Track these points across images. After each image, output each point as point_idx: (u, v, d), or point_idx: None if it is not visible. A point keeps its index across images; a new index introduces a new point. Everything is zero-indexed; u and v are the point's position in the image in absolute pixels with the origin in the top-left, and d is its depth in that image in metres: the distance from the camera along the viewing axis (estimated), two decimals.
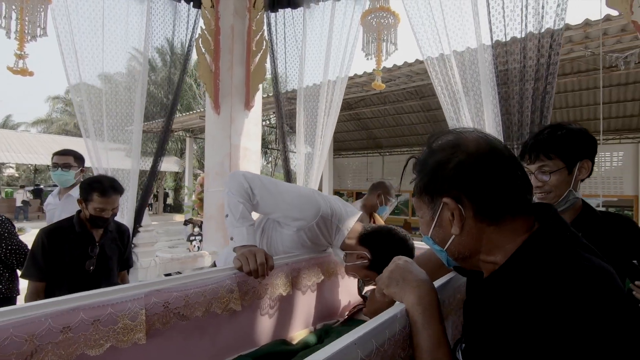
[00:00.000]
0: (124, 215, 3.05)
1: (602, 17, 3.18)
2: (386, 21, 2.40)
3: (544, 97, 2.07)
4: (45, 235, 1.63)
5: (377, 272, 1.13)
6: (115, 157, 3.00)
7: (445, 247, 0.64)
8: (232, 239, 1.15)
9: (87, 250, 1.69)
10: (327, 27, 2.95)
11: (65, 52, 2.57)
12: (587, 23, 3.78)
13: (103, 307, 0.64)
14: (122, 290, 0.68)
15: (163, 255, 3.76)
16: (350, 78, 4.49)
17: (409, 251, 1.19)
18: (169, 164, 15.17)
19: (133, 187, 3.01)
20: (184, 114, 9.42)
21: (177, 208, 18.45)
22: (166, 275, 3.64)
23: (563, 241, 0.56)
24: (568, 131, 1.07)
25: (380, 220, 2.91)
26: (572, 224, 0.91)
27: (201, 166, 17.57)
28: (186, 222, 7.62)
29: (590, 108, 7.51)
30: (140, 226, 3.23)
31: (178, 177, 19.86)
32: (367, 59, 2.48)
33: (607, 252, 0.84)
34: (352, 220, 1.30)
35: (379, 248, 1.19)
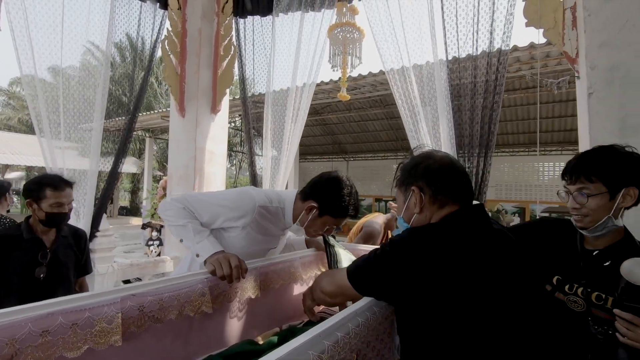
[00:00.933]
0: (80, 219, 2.92)
1: (545, 42, 3.52)
2: (352, 36, 2.53)
3: (492, 111, 2.28)
4: None
5: (330, 214, 1.28)
6: (70, 156, 2.87)
7: (410, 224, 0.91)
8: (198, 255, 1.14)
9: (37, 257, 1.62)
10: (295, 37, 3.03)
11: (20, 45, 2.44)
12: (532, 46, 4.17)
13: (81, 311, 0.66)
14: (99, 295, 0.71)
15: (122, 261, 3.62)
16: (318, 85, 4.59)
17: (338, 182, 1.29)
18: (126, 165, 14.44)
19: (91, 189, 2.90)
20: (144, 114, 9.07)
21: (133, 211, 17.60)
22: (125, 282, 3.51)
23: (455, 221, 0.84)
24: (617, 154, 0.99)
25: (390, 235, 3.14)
26: (605, 250, 1.02)
27: (161, 168, 16.90)
28: (144, 226, 7.33)
29: (535, 121, 8.18)
30: (98, 231, 3.11)
31: (135, 178, 18.95)
32: (334, 70, 2.60)
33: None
34: (291, 196, 1.36)
35: (319, 192, 1.29)
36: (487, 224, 0.87)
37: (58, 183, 1.64)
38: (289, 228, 1.40)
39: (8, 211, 2.60)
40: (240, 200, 1.28)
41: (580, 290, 1.02)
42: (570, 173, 1.04)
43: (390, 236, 3.09)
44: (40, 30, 2.53)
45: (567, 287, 1.05)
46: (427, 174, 0.89)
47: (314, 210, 1.27)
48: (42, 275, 1.62)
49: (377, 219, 3.12)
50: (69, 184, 1.71)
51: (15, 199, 13.46)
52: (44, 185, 1.61)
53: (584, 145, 1.85)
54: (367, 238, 2.99)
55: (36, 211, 1.62)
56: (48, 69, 2.77)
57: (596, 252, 1.05)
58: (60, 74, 2.74)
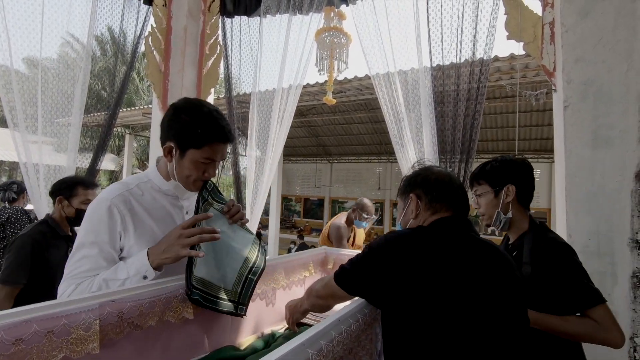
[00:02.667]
0: None
1: (524, 54, 3.64)
2: (339, 40, 2.55)
3: (473, 118, 2.34)
4: (32, 240, 1.67)
5: (193, 146, 1.02)
6: (45, 151, 2.77)
7: (406, 228, 0.98)
8: (145, 277, 0.90)
9: (67, 252, 1.73)
10: (282, 39, 3.02)
11: None
12: (512, 57, 4.30)
13: (57, 318, 0.64)
14: (76, 302, 0.68)
15: None
16: (303, 87, 4.59)
17: (188, 106, 1.06)
18: (104, 162, 14.02)
19: None
20: (125, 110, 8.84)
21: None
22: None
23: (443, 225, 0.91)
24: (497, 161, 1.24)
25: (360, 233, 3.29)
26: (514, 243, 1.24)
27: (141, 165, 16.48)
28: None
29: (513, 129, 8.44)
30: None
31: (114, 175, 18.42)
32: (320, 74, 2.61)
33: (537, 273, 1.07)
34: (153, 165, 1.18)
35: (171, 127, 1.06)
36: (473, 232, 0.90)
37: (89, 183, 1.84)
38: (172, 195, 1.13)
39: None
40: (95, 214, 0.99)
41: None
42: (470, 181, 1.32)
43: (355, 230, 3.31)
44: (19, 20, 2.43)
45: None
46: (425, 183, 0.98)
47: (174, 151, 1.03)
48: None
49: (340, 218, 3.28)
50: (96, 185, 1.90)
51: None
52: (77, 183, 1.80)
53: (559, 155, 1.93)
54: (338, 237, 3.13)
55: (65, 208, 1.78)
56: (24, 60, 2.67)
57: (510, 246, 1.27)
58: (38, 65, 2.64)
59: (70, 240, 1.80)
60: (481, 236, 0.91)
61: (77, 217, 1.77)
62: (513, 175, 1.21)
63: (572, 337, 1.07)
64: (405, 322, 0.79)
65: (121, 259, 0.99)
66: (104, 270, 0.94)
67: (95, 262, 0.94)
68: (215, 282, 1.03)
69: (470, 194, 1.22)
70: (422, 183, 0.98)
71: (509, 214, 1.21)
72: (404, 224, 1.01)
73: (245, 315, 1.10)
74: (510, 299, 0.81)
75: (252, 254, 1.17)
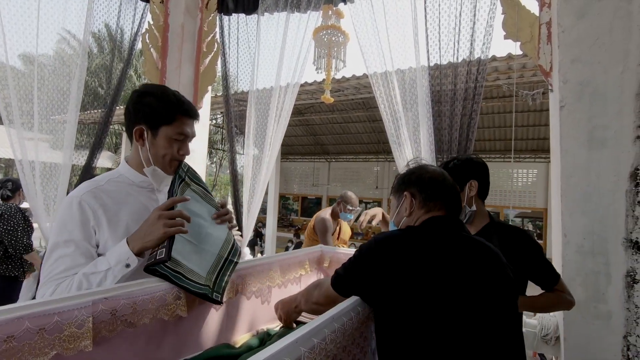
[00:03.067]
0: (50, 215, 2.81)
1: (521, 54, 3.65)
2: (337, 39, 2.54)
3: (470, 118, 2.35)
4: None
5: (164, 122, 1.04)
6: (41, 148, 2.76)
7: (399, 227, 0.99)
8: (128, 265, 0.89)
9: None
10: (280, 37, 3.02)
11: None
12: (509, 56, 4.31)
13: (49, 315, 0.64)
14: (69, 299, 0.68)
15: None
16: (301, 85, 4.59)
17: (148, 89, 1.08)
18: (101, 159, 13.95)
19: (63, 183, 2.80)
20: (121, 107, 8.81)
21: None
22: None
23: (434, 224, 0.91)
24: (458, 160, 1.38)
25: (345, 227, 3.31)
26: (477, 233, 1.30)
27: None
28: None
29: (510, 129, 8.47)
30: None
31: None
32: (318, 72, 2.61)
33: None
34: (123, 161, 1.15)
35: (135, 109, 1.06)
36: (463, 231, 0.91)
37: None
38: (146, 187, 1.11)
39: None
40: (66, 212, 0.97)
41: None
42: None
43: (340, 224, 3.40)
44: (15, 16, 2.42)
45: None
46: (420, 182, 0.98)
47: (146, 133, 1.04)
48: None
49: (325, 212, 3.34)
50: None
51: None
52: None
53: (555, 155, 1.94)
54: (323, 230, 3.18)
55: None
56: (20, 56, 2.65)
57: None
58: (34, 62, 2.63)
59: None
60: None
61: None
62: (474, 171, 1.34)
63: (547, 310, 1.26)
64: (397, 322, 0.79)
65: (98, 255, 0.97)
66: (83, 267, 0.91)
67: (72, 260, 0.92)
68: (191, 266, 0.97)
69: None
70: (416, 181, 0.99)
71: (473, 207, 1.32)
72: (397, 222, 1.01)
73: (221, 303, 1.04)
74: (501, 296, 0.81)
75: (230, 238, 1.18)
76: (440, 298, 0.76)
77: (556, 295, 1.26)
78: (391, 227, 1.04)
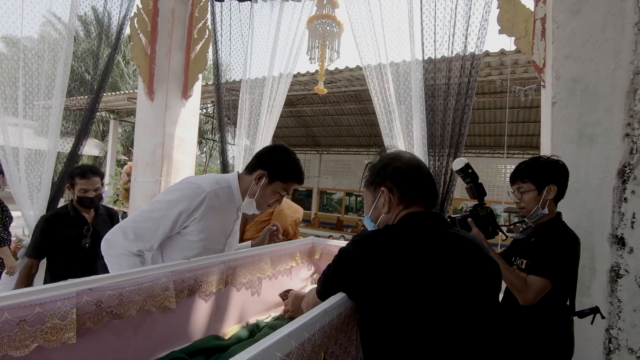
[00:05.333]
0: (34, 203, 2.74)
1: (514, 50, 3.66)
2: (331, 29, 2.50)
3: (463, 113, 2.35)
4: (45, 221, 2.01)
5: (280, 179, 1.31)
6: (25, 135, 2.68)
7: (377, 223, 0.93)
8: None
9: (82, 230, 2.04)
10: (274, 25, 2.96)
11: None
12: (502, 52, 4.32)
13: (30, 307, 0.61)
14: (52, 289, 0.65)
15: None
16: (294, 76, 4.53)
17: (284, 149, 1.36)
18: (88, 147, 13.63)
19: (48, 171, 2.72)
20: (109, 94, 8.59)
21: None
22: None
23: (412, 221, 0.87)
24: (541, 162, 1.37)
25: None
26: (534, 230, 1.41)
27: (126, 152, 16.12)
28: None
29: (502, 125, 8.54)
30: None
31: (97, 161, 17.97)
32: (311, 62, 2.57)
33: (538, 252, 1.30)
34: (234, 175, 1.36)
35: (266, 159, 1.31)
36: (443, 226, 0.87)
37: (85, 172, 2.02)
38: (240, 206, 1.36)
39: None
40: (188, 191, 1.22)
41: (519, 261, 1.40)
42: (511, 178, 1.45)
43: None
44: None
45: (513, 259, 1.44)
46: (396, 176, 0.91)
47: (264, 179, 1.29)
48: (87, 245, 2.04)
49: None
50: (96, 173, 2.07)
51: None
52: (74, 174, 2.02)
53: (545, 150, 1.95)
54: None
55: (72, 194, 2.06)
56: (3, 39, 2.55)
57: (528, 233, 1.44)
58: (18, 45, 2.53)
59: (84, 221, 2.06)
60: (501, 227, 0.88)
61: (82, 204, 2.04)
62: (555, 176, 1.35)
63: (509, 284, 1.30)
64: (379, 322, 0.77)
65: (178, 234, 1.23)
66: (154, 235, 1.17)
67: (165, 228, 1.18)
68: None
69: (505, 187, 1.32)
70: (393, 175, 0.91)
71: (545, 210, 1.35)
72: (374, 218, 0.94)
73: None
74: (481, 291, 0.80)
75: None
76: (420, 297, 0.73)
77: (523, 282, 1.28)
78: (366, 222, 0.97)
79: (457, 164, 1.38)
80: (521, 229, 1.47)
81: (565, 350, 1.34)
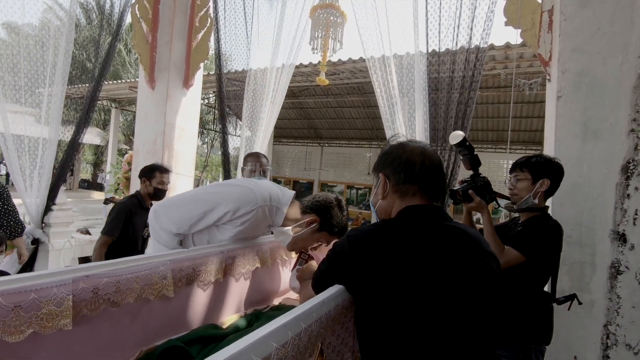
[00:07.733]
0: (34, 191, 2.74)
1: (519, 43, 3.61)
2: (334, 19, 2.47)
3: (466, 106, 2.32)
4: (130, 206, 2.29)
5: (328, 232, 1.33)
6: (25, 122, 2.67)
7: (375, 208, 0.95)
8: None
9: (145, 221, 2.24)
10: (277, 15, 2.92)
11: None
12: (507, 46, 4.26)
13: (25, 292, 0.61)
14: (47, 276, 0.65)
15: (80, 236, 3.46)
16: (296, 67, 4.48)
17: (341, 204, 1.39)
18: (89, 136, 13.61)
19: (49, 159, 2.72)
20: (110, 82, 8.54)
21: (95, 185, 16.78)
22: (82, 259, 3.35)
23: (410, 217, 0.85)
24: (541, 158, 1.48)
25: None
26: (523, 222, 1.51)
27: (128, 141, 16.12)
28: (107, 201, 6.98)
29: (505, 120, 8.48)
30: (54, 204, 2.93)
31: (99, 150, 17.98)
32: (314, 52, 2.54)
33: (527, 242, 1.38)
34: (288, 198, 1.38)
35: (323, 208, 1.33)
36: (443, 220, 0.85)
37: (164, 168, 2.38)
38: (273, 227, 1.39)
39: None
40: (243, 195, 1.27)
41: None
42: (512, 167, 1.54)
43: None
44: None
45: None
46: (394, 164, 0.90)
47: (315, 225, 1.31)
48: (146, 235, 2.34)
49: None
50: (169, 170, 2.42)
51: (3, 170, 12.71)
52: (155, 168, 2.34)
53: (548, 145, 1.93)
54: None
55: (147, 187, 2.35)
56: (3, 25, 2.52)
57: (519, 224, 1.55)
58: (18, 31, 2.51)
59: (148, 211, 2.23)
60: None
61: (155, 194, 2.33)
62: (551, 172, 1.44)
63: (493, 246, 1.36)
64: (375, 317, 0.76)
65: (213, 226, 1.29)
66: (189, 222, 1.23)
67: (192, 211, 1.24)
68: None
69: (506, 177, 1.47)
70: (392, 162, 0.90)
71: (535, 200, 1.45)
72: (374, 203, 0.96)
73: None
74: (480, 286, 0.78)
75: None
76: (414, 293, 0.72)
77: (501, 250, 1.38)
78: (370, 204, 1.00)
79: (455, 137, 1.43)
80: (515, 206, 1.55)
81: (543, 334, 1.41)
